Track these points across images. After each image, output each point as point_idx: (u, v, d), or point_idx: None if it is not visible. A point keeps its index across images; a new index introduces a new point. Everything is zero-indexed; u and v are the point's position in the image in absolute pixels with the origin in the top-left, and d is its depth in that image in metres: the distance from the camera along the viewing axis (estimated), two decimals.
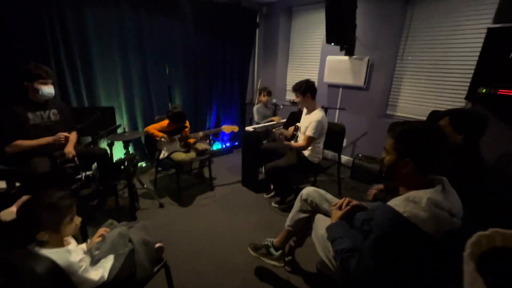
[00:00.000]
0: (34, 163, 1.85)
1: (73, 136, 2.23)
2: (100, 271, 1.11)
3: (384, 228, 0.96)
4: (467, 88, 2.41)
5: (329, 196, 1.55)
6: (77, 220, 1.09)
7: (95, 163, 2.36)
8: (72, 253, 1.00)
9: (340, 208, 1.36)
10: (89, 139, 2.55)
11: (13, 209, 0.99)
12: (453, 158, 1.46)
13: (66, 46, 2.60)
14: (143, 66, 3.19)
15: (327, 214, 1.50)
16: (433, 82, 3.01)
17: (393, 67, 3.29)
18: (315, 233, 1.45)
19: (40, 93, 1.96)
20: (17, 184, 1.60)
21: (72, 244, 1.10)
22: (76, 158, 1.95)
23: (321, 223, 1.42)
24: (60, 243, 1.02)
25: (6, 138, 1.86)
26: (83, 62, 2.74)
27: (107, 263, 1.16)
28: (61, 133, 1.92)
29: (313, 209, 1.55)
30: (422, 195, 0.94)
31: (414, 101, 3.22)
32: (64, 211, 1.01)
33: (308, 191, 1.58)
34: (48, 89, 2.00)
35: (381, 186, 1.86)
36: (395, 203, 0.97)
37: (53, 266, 0.84)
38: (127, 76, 3.09)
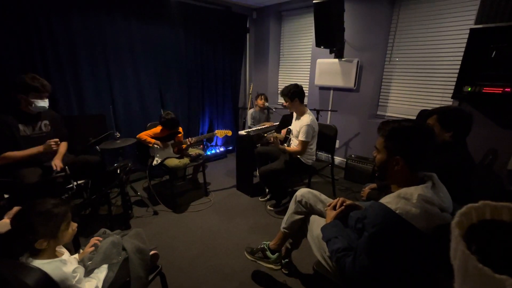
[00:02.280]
0: (23, 173, 1.81)
1: (62, 147, 2.18)
2: (94, 282, 1.09)
3: (377, 225, 0.97)
4: (453, 87, 2.48)
5: (323, 196, 1.56)
6: (74, 225, 1.07)
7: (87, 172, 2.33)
8: (66, 264, 0.98)
9: (334, 208, 1.37)
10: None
11: (6, 220, 0.96)
12: (442, 155, 1.50)
13: (54, 54, 2.57)
14: (134, 72, 3.18)
15: (321, 215, 1.51)
16: (421, 82, 3.08)
17: (382, 68, 3.36)
18: (311, 234, 1.45)
19: (33, 106, 1.92)
20: (5, 195, 1.56)
21: (65, 254, 1.08)
22: (67, 168, 1.92)
23: (316, 224, 1.43)
24: (53, 254, 1.00)
25: None
26: (73, 70, 2.71)
27: (101, 273, 1.14)
28: (50, 140, 1.88)
29: (308, 210, 1.55)
30: (413, 191, 0.95)
31: (403, 101, 3.28)
32: (60, 218, 1.00)
33: (302, 192, 1.59)
34: (42, 103, 1.96)
35: (374, 185, 1.89)
36: (387, 200, 0.99)
37: (45, 277, 0.82)
38: (119, 83, 3.07)
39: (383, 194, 1.75)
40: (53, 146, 1.84)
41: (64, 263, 0.98)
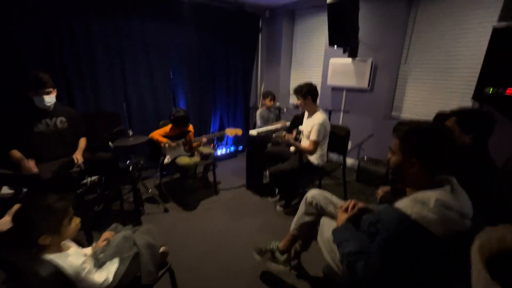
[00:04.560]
0: (40, 168, 1.87)
1: (82, 143, 2.25)
2: (105, 274, 1.11)
3: (391, 230, 0.94)
4: (473, 88, 2.38)
5: (334, 198, 1.53)
6: (76, 220, 1.09)
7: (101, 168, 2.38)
8: (73, 255, 1.00)
9: (346, 210, 1.34)
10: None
11: (7, 218, 0.98)
12: (461, 159, 1.43)
13: (72, 52, 2.64)
14: (148, 71, 3.23)
15: (332, 217, 1.48)
16: (439, 82, 2.98)
17: (397, 68, 3.26)
18: (321, 237, 1.43)
19: (36, 102, 1.94)
20: (24, 189, 1.61)
21: (72, 248, 1.10)
22: (82, 163, 1.97)
23: (326, 226, 1.40)
24: (59, 248, 1.02)
25: (6, 146, 1.88)
26: (89, 69, 2.79)
27: (112, 266, 1.16)
28: (30, 163, 1.86)
29: (318, 212, 1.53)
30: (430, 195, 0.91)
31: (420, 102, 3.18)
32: (61, 213, 1.01)
33: (312, 193, 1.56)
34: (41, 99, 1.93)
35: (388, 188, 1.83)
36: (402, 204, 0.95)
37: (57, 270, 0.84)
38: (132, 81, 3.13)
39: (397, 198, 1.71)
40: (32, 168, 1.83)
41: (71, 255, 1.00)
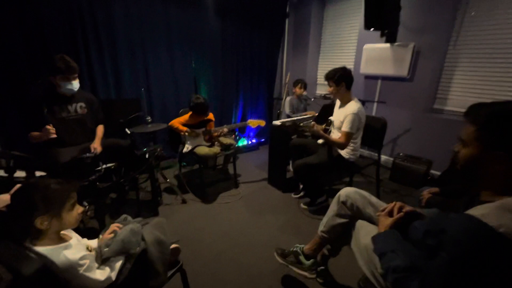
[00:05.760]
0: (56, 153, 1.82)
1: (99, 130, 2.20)
2: (107, 271, 0.99)
3: (464, 245, 0.70)
4: None
5: (373, 199, 1.29)
6: (79, 209, 0.97)
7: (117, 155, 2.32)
8: (71, 249, 0.88)
9: (389, 214, 1.11)
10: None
11: (7, 196, 0.88)
12: None
13: (95, 38, 2.60)
14: (169, 58, 3.14)
15: (371, 220, 1.25)
16: (494, 70, 2.55)
17: (444, 54, 2.86)
18: (356, 243, 1.20)
19: (60, 88, 1.91)
20: (39, 173, 1.56)
21: (74, 239, 0.98)
22: (96, 149, 1.89)
23: (364, 231, 1.18)
24: (57, 239, 0.91)
25: (28, 130, 1.84)
26: (111, 54, 2.73)
27: (117, 262, 1.03)
28: (49, 127, 1.77)
29: (354, 213, 1.30)
30: None
31: (469, 92, 2.77)
32: (62, 195, 0.90)
33: (347, 192, 1.33)
34: (69, 85, 1.91)
35: (435, 189, 1.56)
36: (482, 212, 0.70)
37: (43, 268, 0.72)
38: (154, 68, 3.05)
39: (450, 202, 1.42)
40: (51, 132, 1.77)
41: (69, 249, 0.88)
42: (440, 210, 1.22)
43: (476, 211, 0.72)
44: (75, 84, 1.96)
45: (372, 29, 2.87)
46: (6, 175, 1.42)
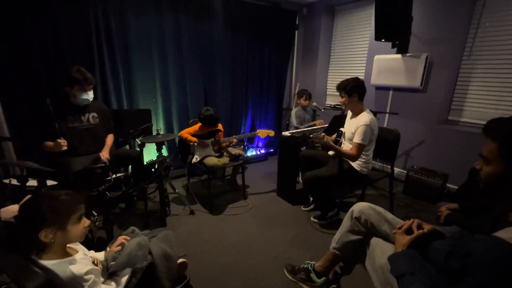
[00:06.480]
0: (68, 162, 1.84)
1: (109, 140, 2.23)
2: (113, 286, 0.96)
3: (494, 271, 0.64)
4: None
5: (389, 215, 1.23)
6: (86, 222, 0.95)
7: (130, 166, 2.33)
8: (77, 264, 0.86)
9: (407, 232, 1.05)
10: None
11: (15, 206, 0.88)
12: None
13: (109, 49, 2.66)
14: (180, 69, 3.17)
15: (386, 238, 1.18)
16: (510, 81, 2.47)
17: (458, 64, 2.80)
18: (371, 262, 1.14)
19: (77, 98, 1.97)
20: (50, 182, 1.57)
21: (80, 252, 0.96)
22: (107, 160, 1.90)
23: (380, 250, 1.12)
24: (63, 252, 0.89)
25: (42, 140, 1.88)
26: (124, 65, 2.79)
27: (123, 277, 1.01)
28: (61, 140, 1.82)
29: (368, 230, 1.24)
30: None
31: (485, 103, 2.68)
32: (69, 207, 0.89)
33: (361, 207, 1.28)
34: (85, 95, 1.98)
35: (455, 205, 1.48)
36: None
37: (48, 284, 0.69)
38: (165, 79, 3.09)
39: (470, 220, 1.34)
40: (62, 145, 1.80)
41: (74, 264, 0.86)
42: (461, 229, 1.15)
43: (506, 234, 0.67)
44: (91, 95, 2.03)
45: (382, 40, 2.85)
46: (19, 184, 1.44)
